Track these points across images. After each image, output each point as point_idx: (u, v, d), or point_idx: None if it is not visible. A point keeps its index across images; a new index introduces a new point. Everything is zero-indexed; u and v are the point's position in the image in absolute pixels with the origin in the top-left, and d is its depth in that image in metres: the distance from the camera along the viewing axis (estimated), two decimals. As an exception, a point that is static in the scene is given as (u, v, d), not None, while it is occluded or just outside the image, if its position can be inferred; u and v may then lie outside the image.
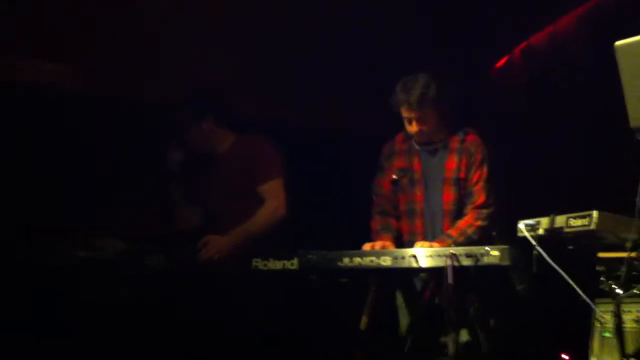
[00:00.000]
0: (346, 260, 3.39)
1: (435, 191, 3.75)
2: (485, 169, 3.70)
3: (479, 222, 3.63)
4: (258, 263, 3.48)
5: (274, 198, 3.85)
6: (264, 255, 3.48)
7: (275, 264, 3.46)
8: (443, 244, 3.51)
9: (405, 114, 3.71)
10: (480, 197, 3.68)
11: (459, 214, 3.71)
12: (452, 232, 3.63)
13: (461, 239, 3.56)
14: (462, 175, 3.72)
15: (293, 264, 3.44)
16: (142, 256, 3.62)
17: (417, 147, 3.82)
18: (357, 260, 3.37)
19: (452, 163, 3.74)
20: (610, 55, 2.56)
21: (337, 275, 3.47)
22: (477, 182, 3.70)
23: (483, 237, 3.57)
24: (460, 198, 3.72)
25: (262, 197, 3.85)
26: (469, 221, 3.65)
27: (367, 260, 3.36)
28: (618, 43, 2.55)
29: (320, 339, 3.82)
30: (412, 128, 3.72)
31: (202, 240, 3.68)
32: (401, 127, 3.80)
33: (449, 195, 3.72)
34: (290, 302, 3.71)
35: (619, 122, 2.60)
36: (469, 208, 3.69)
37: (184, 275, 3.63)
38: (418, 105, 3.65)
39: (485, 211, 3.65)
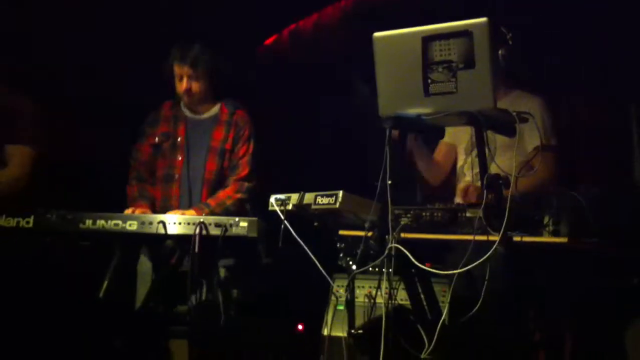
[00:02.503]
0: (89, 222, 3.26)
1: (198, 159, 3.73)
2: (252, 145, 3.76)
3: (239, 195, 3.68)
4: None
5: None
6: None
7: (9, 221, 3.26)
8: (199, 212, 3.50)
9: (177, 70, 3.68)
10: (244, 170, 3.72)
11: (218, 184, 3.72)
12: (211, 201, 3.63)
13: (218, 210, 3.58)
14: (228, 146, 3.74)
15: (29, 222, 3.25)
16: None
17: (184, 113, 3.80)
18: (101, 223, 3.26)
19: (220, 133, 3.76)
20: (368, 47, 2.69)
21: (79, 237, 3.34)
22: (243, 156, 3.74)
23: (241, 210, 3.62)
24: (222, 169, 3.73)
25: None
26: (229, 193, 3.68)
27: (112, 224, 3.26)
28: (377, 34, 2.69)
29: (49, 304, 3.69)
30: (182, 85, 3.69)
31: None
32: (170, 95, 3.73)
33: (213, 164, 3.73)
34: (22, 263, 3.51)
35: (372, 112, 2.75)
36: (231, 180, 3.72)
37: None
38: (192, 62, 3.64)
39: (246, 184, 3.71)
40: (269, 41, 4.79)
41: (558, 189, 2.98)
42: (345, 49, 4.23)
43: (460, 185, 3.46)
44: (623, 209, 3.20)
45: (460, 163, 3.60)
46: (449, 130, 3.48)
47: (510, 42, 3.37)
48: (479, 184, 2.97)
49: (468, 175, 3.48)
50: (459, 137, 3.55)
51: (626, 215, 3.12)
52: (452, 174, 3.67)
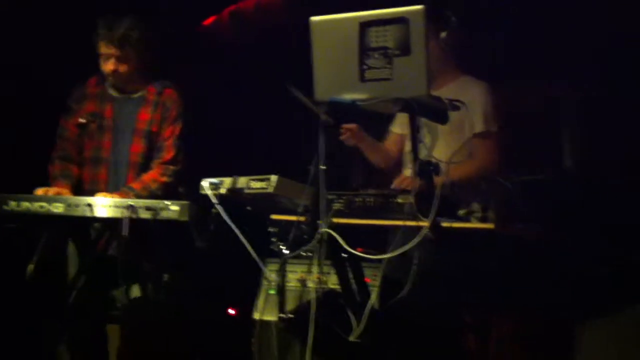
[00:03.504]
0: (13, 204, 3.17)
1: (124, 141, 3.63)
2: (178, 126, 3.65)
3: (164, 179, 3.58)
4: None
5: None
6: None
7: None
8: (124, 196, 3.40)
9: (103, 49, 3.53)
10: (169, 153, 3.62)
11: (145, 167, 3.63)
12: (135, 185, 3.54)
13: (144, 193, 3.48)
14: (154, 128, 3.64)
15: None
16: None
17: (111, 93, 3.67)
18: (26, 205, 3.17)
19: (146, 115, 3.64)
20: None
21: (4, 220, 3.24)
22: (168, 138, 3.64)
23: (167, 194, 3.52)
24: (149, 151, 3.63)
25: None
26: (154, 176, 3.59)
27: (37, 206, 3.17)
28: (314, 19, 2.69)
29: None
30: (108, 66, 3.54)
31: None
32: (96, 69, 3.64)
33: (138, 147, 3.62)
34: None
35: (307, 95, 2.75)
36: (156, 162, 3.62)
37: None
38: (119, 42, 3.49)
39: (172, 167, 3.61)
40: (208, 21, 4.73)
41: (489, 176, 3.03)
42: (286, 31, 4.20)
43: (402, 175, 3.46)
44: (552, 195, 3.28)
45: (407, 149, 3.59)
46: (399, 120, 3.53)
47: (454, 26, 3.37)
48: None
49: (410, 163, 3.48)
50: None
51: (555, 202, 3.20)
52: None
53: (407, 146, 3.56)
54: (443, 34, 3.31)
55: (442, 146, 3.25)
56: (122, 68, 3.57)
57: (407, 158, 3.52)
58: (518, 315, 3.06)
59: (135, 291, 3.38)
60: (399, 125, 3.53)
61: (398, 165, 3.55)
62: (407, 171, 3.40)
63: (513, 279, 2.83)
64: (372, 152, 3.51)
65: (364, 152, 3.47)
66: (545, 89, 3.95)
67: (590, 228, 3.22)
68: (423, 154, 2.66)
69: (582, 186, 3.59)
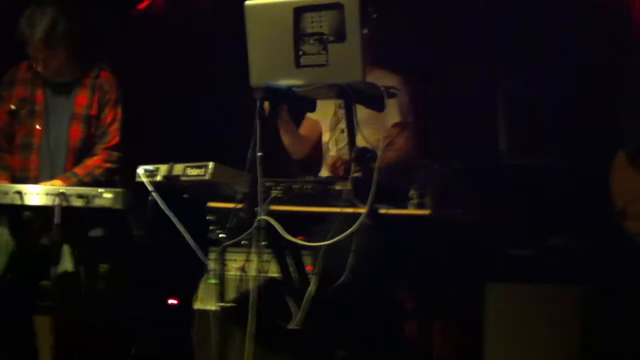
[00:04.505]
0: (-63, 191, 3.06)
1: (60, 126, 3.55)
2: (119, 110, 3.60)
3: (109, 165, 3.54)
4: None
5: None
6: None
7: None
8: (67, 182, 3.34)
9: (29, 50, 3.45)
10: (114, 139, 3.57)
11: (85, 152, 3.56)
12: (79, 170, 3.48)
13: (87, 179, 3.43)
14: (93, 112, 3.57)
15: None
16: None
17: (42, 77, 3.57)
18: (-50, 192, 3.08)
19: (84, 99, 3.57)
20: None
21: None
22: (112, 123, 3.58)
23: (110, 180, 3.49)
24: (88, 136, 3.56)
25: None
26: (97, 162, 3.53)
27: None
28: (248, 3, 2.65)
29: None
30: (39, 67, 3.48)
31: None
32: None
33: (77, 131, 3.55)
34: None
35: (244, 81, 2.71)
36: (99, 148, 3.57)
37: None
38: (45, 43, 3.40)
39: (116, 154, 3.57)
40: (143, 5, 4.64)
41: (424, 161, 3.05)
42: (221, 14, 4.14)
43: (328, 161, 3.47)
44: (486, 180, 3.33)
45: (325, 139, 3.61)
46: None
47: (374, 23, 3.40)
48: (345, 157, 3.01)
49: (332, 150, 3.51)
50: (324, 112, 3.56)
51: (489, 187, 3.26)
52: (317, 149, 3.68)
53: (326, 136, 3.57)
54: (365, 31, 3.33)
55: (361, 136, 3.26)
56: (52, 64, 3.50)
57: (327, 147, 3.53)
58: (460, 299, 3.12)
59: (68, 281, 3.30)
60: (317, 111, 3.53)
61: (313, 154, 3.56)
62: (329, 160, 3.40)
63: (453, 263, 2.87)
64: (290, 137, 3.51)
65: (283, 136, 3.47)
66: (479, 73, 4.00)
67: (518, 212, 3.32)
68: (343, 142, 2.66)
69: (515, 171, 3.67)
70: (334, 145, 3.48)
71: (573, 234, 3.46)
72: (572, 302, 3.18)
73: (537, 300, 3.23)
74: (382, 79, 3.38)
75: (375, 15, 3.42)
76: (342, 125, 3.26)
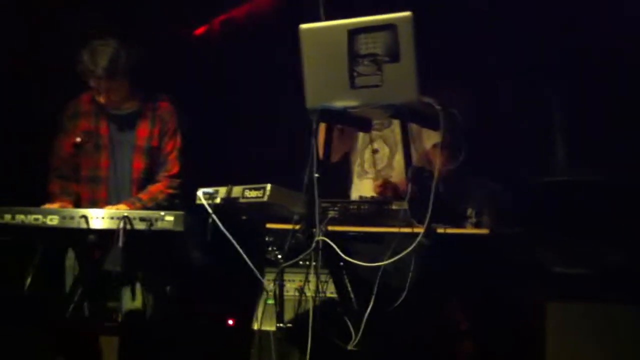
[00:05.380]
0: (7, 217, 3.19)
1: (124, 159, 3.66)
2: (178, 138, 3.69)
3: (171, 191, 3.63)
4: None
5: None
6: None
7: None
8: (132, 206, 3.43)
9: (93, 84, 3.54)
10: (174, 167, 3.67)
11: (147, 182, 3.66)
12: (143, 196, 3.57)
13: (151, 204, 3.52)
14: (154, 143, 3.67)
15: (-55, 217, 3.13)
16: None
17: (106, 109, 3.68)
18: (20, 217, 3.18)
19: (144, 131, 3.67)
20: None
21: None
22: (171, 152, 3.67)
23: (172, 205, 3.56)
24: (151, 167, 3.66)
25: None
26: (161, 187, 3.63)
27: (32, 219, 3.19)
28: (303, 26, 2.68)
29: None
30: (101, 99, 3.58)
31: None
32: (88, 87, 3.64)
33: (140, 163, 3.65)
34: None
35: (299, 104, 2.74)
36: (161, 176, 3.66)
37: None
38: (106, 74, 3.49)
39: (178, 180, 3.65)
40: (199, 31, 4.74)
41: (480, 180, 3.04)
42: (277, 39, 4.21)
43: (376, 182, 3.44)
44: (543, 200, 3.28)
45: (353, 157, 3.54)
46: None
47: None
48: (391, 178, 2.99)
49: (370, 173, 3.46)
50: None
51: (548, 207, 3.21)
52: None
53: (355, 155, 3.53)
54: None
55: (401, 156, 3.25)
56: (114, 95, 3.59)
57: (364, 170, 3.49)
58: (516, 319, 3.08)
59: (132, 302, 3.36)
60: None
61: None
62: (377, 182, 3.38)
63: (511, 283, 2.84)
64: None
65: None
66: (534, 90, 3.96)
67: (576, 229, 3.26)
68: (383, 163, 2.66)
69: (573, 188, 3.61)
70: (371, 167, 3.45)
71: (632, 251, 3.38)
72: (637, 321, 3.10)
73: (599, 319, 3.16)
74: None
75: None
76: (376, 145, 3.28)
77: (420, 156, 3.12)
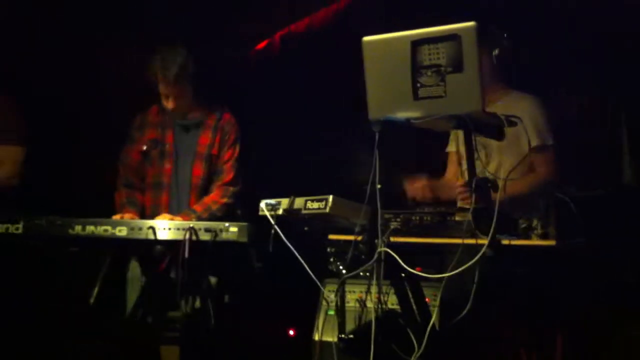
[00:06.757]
0: (78, 228, 3.24)
1: (185, 165, 3.73)
2: (237, 149, 3.75)
3: (225, 200, 3.67)
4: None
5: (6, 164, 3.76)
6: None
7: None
8: (187, 218, 3.49)
9: (162, 90, 3.64)
10: (228, 175, 3.71)
11: (206, 189, 3.72)
12: (197, 207, 3.63)
13: (205, 215, 3.58)
14: (214, 151, 3.74)
15: (18, 228, 3.23)
16: None
17: (172, 119, 3.77)
18: (91, 228, 3.24)
19: (206, 139, 3.74)
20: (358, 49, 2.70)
21: (69, 243, 3.32)
22: (227, 161, 3.73)
23: (227, 215, 3.61)
24: (209, 174, 3.73)
25: None
26: (215, 198, 3.68)
27: (101, 230, 3.24)
28: (366, 38, 2.69)
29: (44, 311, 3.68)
30: (169, 104, 3.67)
31: None
32: (156, 98, 3.73)
33: (199, 170, 3.72)
34: (12, 269, 3.50)
35: (363, 116, 2.75)
36: (216, 185, 3.71)
37: None
38: (176, 80, 3.59)
39: (231, 189, 3.70)
40: (260, 45, 4.80)
41: (549, 190, 2.98)
42: (337, 51, 4.24)
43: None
44: (612, 210, 3.21)
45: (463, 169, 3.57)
46: (452, 138, 3.53)
47: (506, 43, 3.36)
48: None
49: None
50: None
51: (615, 217, 3.13)
52: None
53: (463, 164, 3.53)
54: (496, 51, 3.31)
55: (497, 162, 3.23)
56: (181, 102, 3.67)
57: (464, 176, 3.49)
58: (583, 332, 3.01)
59: (196, 312, 3.41)
60: (454, 143, 3.52)
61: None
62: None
63: (577, 295, 2.78)
64: (442, 191, 3.48)
65: (437, 196, 3.45)
66: (601, 99, 3.90)
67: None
68: (479, 170, 2.62)
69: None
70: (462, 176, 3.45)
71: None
72: None
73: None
74: (518, 101, 3.38)
75: (505, 35, 3.37)
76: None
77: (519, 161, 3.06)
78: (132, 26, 4.28)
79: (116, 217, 3.50)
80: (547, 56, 3.95)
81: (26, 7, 4.23)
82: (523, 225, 2.59)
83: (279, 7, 4.65)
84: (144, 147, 3.76)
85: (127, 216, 3.52)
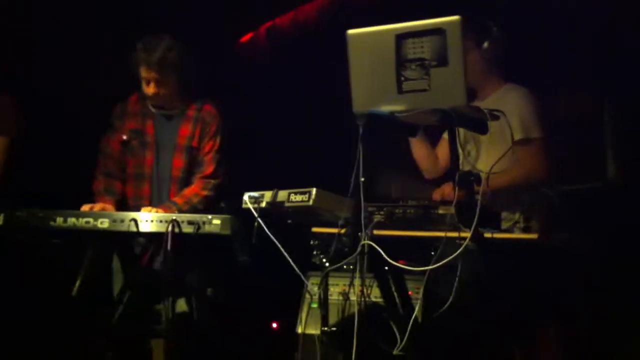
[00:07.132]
0: (59, 220, 3.22)
1: (166, 156, 3.71)
2: (218, 140, 3.72)
3: (205, 192, 3.65)
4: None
5: None
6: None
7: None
8: (168, 210, 3.46)
9: (144, 73, 3.61)
10: (209, 168, 3.69)
11: (187, 181, 3.70)
12: (178, 200, 3.61)
13: (186, 207, 3.55)
14: (194, 143, 3.71)
15: (-2, 219, 3.20)
16: None
17: (152, 110, 3.74)
18: (72, 220, 3.22)
19: (186, 130, 3.71)
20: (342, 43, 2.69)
21: (50, 235, 3.30)
22: (208, 152, 3.70)
23: (209, 207, 3.58)
24: (190, 166, 3.70)
25: None
26: (195, 190, 3.65)
27: (83, 222, 3.22)
28: (350, 32, 2.68)
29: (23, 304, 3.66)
30: (150, 89, 3.62)
31: None
32: (136, 87, 3.70)
33: (180, 162, 3.70)
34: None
35: (345, 108, 2.75)
36: (197, 177, 3.69)
37: None
38: (158, 66, 3.56)
39: (212, 181, 3.67)
40: (245, 38, 4.78)
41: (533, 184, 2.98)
42: (321, 43, 4.23)
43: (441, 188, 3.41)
44: (596, 205, 3.22)
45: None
46: None
47: (497, 34, 3.35)
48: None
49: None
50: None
51: (599, 212, 3.14)
52: None
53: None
54: (486, 44, 3.30)
55: (485, 156, 3.24)
56: (162, 90, 3.64)
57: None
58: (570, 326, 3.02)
59: (180, 305, 3.40)
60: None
61: (445, 176, 3.51)
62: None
63: (556, 289, 2.80)
64: (424, 155, 3.48)
65: (417, 152, 3.45)
66: (587, 95, 3.91)
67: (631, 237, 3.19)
68: (468, 164, 2.62)
69: (626, 196, 3.53)
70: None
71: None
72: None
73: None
74: (509, 93, 3.36)
75: (495, 28, 3.34)
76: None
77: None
78: (131, 26, 4.24)
79: (86, 206, 3.45)
80: (537, 53, 3.95)
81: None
82: (507, 220, 2.60)
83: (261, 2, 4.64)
84: (124, 137, 3.73)
85: (97, 207, 3.47)
